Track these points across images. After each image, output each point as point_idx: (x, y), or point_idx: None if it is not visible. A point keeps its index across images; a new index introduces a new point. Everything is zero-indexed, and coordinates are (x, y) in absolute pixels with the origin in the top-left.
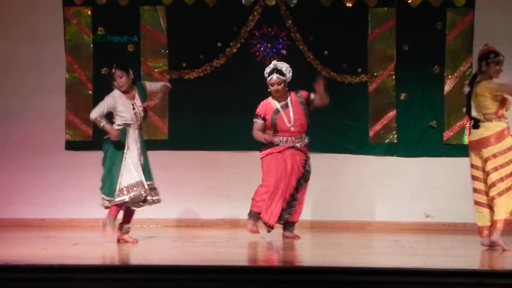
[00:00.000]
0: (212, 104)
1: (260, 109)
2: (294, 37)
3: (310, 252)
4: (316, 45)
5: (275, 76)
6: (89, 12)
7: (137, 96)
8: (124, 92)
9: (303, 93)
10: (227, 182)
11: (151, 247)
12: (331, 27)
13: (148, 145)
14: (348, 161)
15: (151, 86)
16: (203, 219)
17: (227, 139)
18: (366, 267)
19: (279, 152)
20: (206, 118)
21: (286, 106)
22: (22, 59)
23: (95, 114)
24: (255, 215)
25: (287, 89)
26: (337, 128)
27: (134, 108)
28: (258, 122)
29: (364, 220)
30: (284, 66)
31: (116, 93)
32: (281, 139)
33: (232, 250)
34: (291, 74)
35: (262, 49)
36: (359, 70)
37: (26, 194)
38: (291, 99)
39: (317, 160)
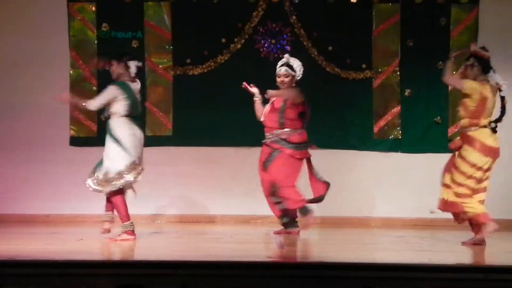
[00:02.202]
0: (216, 100)
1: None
2: (298, 33)
3: (316, 247)
4: (320, 41)
5: (283, 69)
6: (93, 8)
7: None
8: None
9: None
10: (232, 178)
11: (156, 242)
12: (336, 23)
13: (152, 140)
14: (352, 157)
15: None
16: (207, 215)
17: (232, 135)
18: (371, 262)
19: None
20: (210, 114)
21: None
22: (27, 55)
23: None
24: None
25: (294, 85)
26: (342, 124)
27: None
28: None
29: (369, 216)
30: (296, 63)
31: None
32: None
33: (236, 246)
34: (301, 72)
35: (266, 45)
36: (364, 66)
37: (31, 190)
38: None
39: (322, 156)
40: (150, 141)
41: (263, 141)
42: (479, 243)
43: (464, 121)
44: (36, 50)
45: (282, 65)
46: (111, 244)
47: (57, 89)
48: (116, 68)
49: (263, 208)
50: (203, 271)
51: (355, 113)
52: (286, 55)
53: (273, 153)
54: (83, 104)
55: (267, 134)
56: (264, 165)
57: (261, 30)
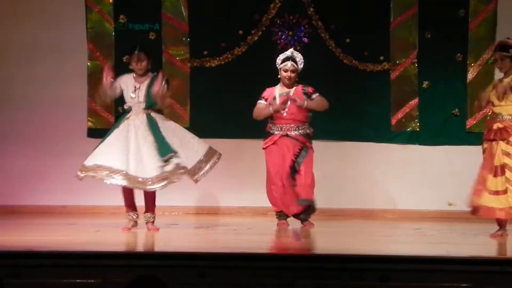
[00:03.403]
0: (233, 92)
1: (265, 92)
2: (316, 25)
3: (332, 240)
4: (338, 33)
5: (289, 63)
6: (110, 0)
7: (146, 83)
8: (139, 76)
9: (310, 89)
10: (249, 170)
11: (173, 234)
12: (353, 15)
13: None
14: (370, 149)
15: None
16: (224, 206)
17: (249, 127)
18: (389, 255)
19: (274, 143)
20: (227, 106)
21: (286, 94)
22: (44, 47)
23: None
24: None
25: (297, 79)
26: (359, 116)
27: (134, 91)
28: (262, 103)
29: (386, 208)
30: (298, 57)
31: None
32: (276, 127)
33: (253, 237)
34: (302, 66)
35: (283, 37)
36: (381, 58)
37: (48, 181)
38: (295, 89)
39: (339, 149)
40: None
41: (287, 133)
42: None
43: None
44: (54, 42)
45: (287, 60)
46: (128, 235)
47: (74, 81)
48: (146, 65)
49: None
50: (221, 263)
51: (373, 105)
52: (290, 50)
53: (304, 149)
54: None
55: (288, 126)
56: (297, 162)
57: (278, 22)
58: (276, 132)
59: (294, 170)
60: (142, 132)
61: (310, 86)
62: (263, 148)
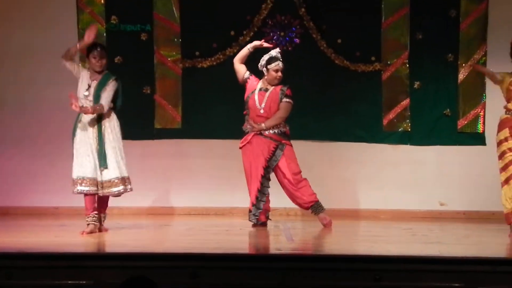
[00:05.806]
0: (225, 93)
1: (252, 79)
2: (308, 26)
3: (324, 240)
4: (329, 34)
5: (280, 63)
6: (102, 1)
7: (97, 82)
8: (94, 72)
9: (288, 91)
10: (241, 171)
11: (165, 235)
12: (345, 15)
13: (161, 133)
14: (361, 150)
15: (105, 91)
16: (216, 207)
17: (241, 128)
18: (380, 255)
19: (248, 142)
20: (219, 107)
21: (265, 90)
22: (37, 49)
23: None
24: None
25: None
26: (351, 117)
27: (88, 88)
28: (247, 75)
29: (378, 208)
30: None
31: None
32: (250, 125)
33: (245, 238)
34: None
35: (275, 37)
36: (373, 58)
37: (41, 182)
38: (273, 88)
39: (331, 149)
40: (159, 134)
41: (260, 132)
42: None
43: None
44: (47, 44)
45: (278, 60)
46: (120, 236)
47: (66, 82)
48: (105, 64)
49: (272, 201)
50: (213, 263)
51: (364, 106)
52: (276, 49)
53: (279, 147)
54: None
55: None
56: (270, 164)
57: (270, 22)
58: (251, 131)
59: (267, 173)
60: (90, 137)
61: (289, 89)
62: (240, 148)
